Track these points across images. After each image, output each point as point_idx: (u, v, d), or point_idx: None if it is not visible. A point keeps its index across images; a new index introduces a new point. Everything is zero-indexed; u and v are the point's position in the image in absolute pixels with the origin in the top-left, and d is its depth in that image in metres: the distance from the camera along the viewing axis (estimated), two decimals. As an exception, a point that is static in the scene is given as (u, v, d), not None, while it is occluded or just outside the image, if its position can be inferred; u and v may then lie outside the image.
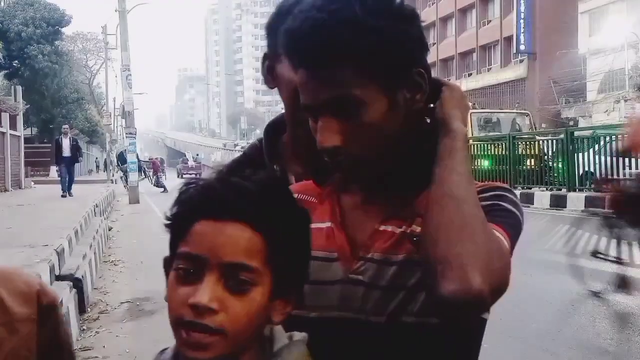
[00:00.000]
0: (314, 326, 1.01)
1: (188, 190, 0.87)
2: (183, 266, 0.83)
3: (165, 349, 0.94)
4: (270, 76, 1.26)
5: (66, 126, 18.70)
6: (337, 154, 0.95)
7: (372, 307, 0.98)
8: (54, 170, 36.16)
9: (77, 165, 20.05)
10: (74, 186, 17.45)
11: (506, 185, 1.03)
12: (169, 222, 0.87)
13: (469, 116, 15.75)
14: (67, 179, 16.76)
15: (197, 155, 33.55)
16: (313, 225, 1.05)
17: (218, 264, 0.81)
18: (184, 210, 0.86)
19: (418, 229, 0.96)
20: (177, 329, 0.83)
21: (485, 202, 0.95)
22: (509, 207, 0.98)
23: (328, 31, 0.90)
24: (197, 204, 0.84)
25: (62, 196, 15.93)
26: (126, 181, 27.96)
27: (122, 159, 35.88)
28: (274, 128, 1.37)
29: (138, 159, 30.69)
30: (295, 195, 1.12)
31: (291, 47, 0.95)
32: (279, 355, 0.89)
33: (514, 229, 0.96)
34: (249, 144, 1.52)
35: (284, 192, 0.90)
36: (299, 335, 0.92)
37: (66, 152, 17.04)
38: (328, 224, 1.05)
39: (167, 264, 0.88)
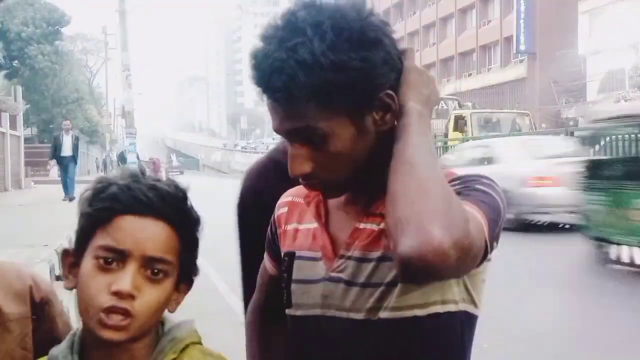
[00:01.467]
0: (300, 324, 1.07)
1: (110, 187, 0.95)
2: (104, 256, 0.92)
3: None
4: None
5: (67, 122, 17.35)
6: (308, 178, 0.98)
7: (351, 303, 1.00)
8: (54, 170, 36.22)
9: (79, 166, 19.71)
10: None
11: (482, 173, 1.01)
12: (88, 213, 0.95)
13: (469, 117, 15.65)
14: (66, 180, 15.49)
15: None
16: (302, 227, 1.11)
17: (140, 256, 0.91)
18: (109, 205, 0.93)
19: None
20: (95, 313, 0.90)
21: (456, 186, 0.94)
22: (483, 187, 0.96)
23: (285, 73, 0.90)
24: (123, 201, 0.92)
25: (64, 200, 15.00)
26: None
27: (122, 158, 35.79)
28: None
29: (139, 159, 30.73)
30: (290, 199, 1.17)
31: (255, 81, 0.96)
32: (169, 333, 1.00)
33: (488, 205, 0.93)
34: (273, 146, 1.57)
35: (186, 196, 1.00)
36: (186, 319, 1.04)
37: (67, 150, 15.60)
38: (314, 225, 1.08)
39: (70, 253, 0.97)
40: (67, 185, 15.38)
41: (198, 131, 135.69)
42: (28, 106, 25.25)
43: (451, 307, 0.99)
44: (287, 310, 1.11)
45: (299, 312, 1.08)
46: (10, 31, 34.45)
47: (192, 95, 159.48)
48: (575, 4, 34.22)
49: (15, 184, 19.84)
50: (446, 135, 19.80)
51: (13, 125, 20.24)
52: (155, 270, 0.93)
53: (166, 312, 1.00)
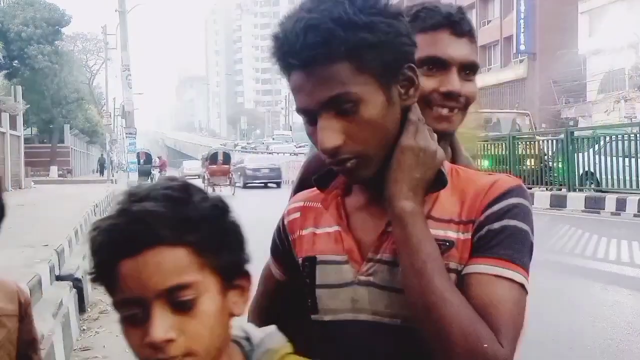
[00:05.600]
0: (329, 329, 1.04)
1: (96, 237, 0.83)
2: (127, 313, 0.82)
3: None
4: None
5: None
6: (339, 153, 0.95)
7: (385, 308, 0.98)
8: (54, 170, 36.24)
9: (77, 166, 19.78)
10: (74, 186, 17.37)
11: (515, 181, 1.00)
12: (92, 276, 0.84)
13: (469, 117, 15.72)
14: None
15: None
16: (320, 231, 1.08)
17: (155, 295, 0.80)
18: (100, 260, 0.83)
19: (433, 232, 0.97)
20: None
21: (497, 222, 0.95)
22: (520, 225, 0.96)
23: (322, 30, 0.90)
24: (108, 250, 0.81)
25: None
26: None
27: (101, 164, 35.82)
28: None
29: (151, 162, 30.44)
30: (302, 204, 1.15)
31: (285, 50, 0.94)
32: (261, 346, 0.90)
33: (524, 253, 0.95)
34: (308, 156, 1.48)
35: (187, 191, 0.85)
36: (269, 328, 0.93)
37: None
38: (336, 228, 1.06)
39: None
40: None
41: (198, 131, 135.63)
42: (28, 106, 25.25)
43: None
44: (313, 317, 1.08)
45: (327, 317, 1.05)
46: (10, 31, 34.47)
47: (192, 95, 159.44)
48: (575, 4, 34.22)
49: (15, 184, 19.84)
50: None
51: (13, 125, 20.24)
52: (182, 300, 0.80)
53: (248, 325, 0.94)
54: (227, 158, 26.90)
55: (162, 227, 0.80)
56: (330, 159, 0.97)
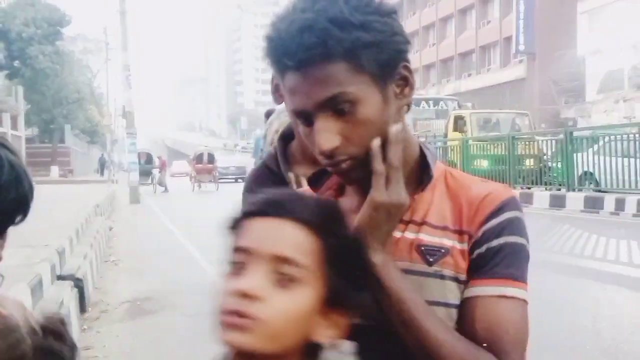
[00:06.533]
0: None
1: (255, 197, 0.89)
2: (235, 260, 0.84)
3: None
4: (278, 94, 1.42)
5: None
6: (336, 154, 0.95)
7: (378, 312, 0.96)
8: (54, 170, 36.24)
9: (78, 166, 19.77)
10: (74, 186, 17.38)
11: (508, 192, 1.01)
12: (231, 224, 0.89)
13: (468, 117, 15.52)
14: None
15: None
16: None
17: (267, 255, 0.82)
18: (245, 210, 0.88)
19: (426, 238, 0.98)
20: (220, 317, 0.82)
21: (495, 240, 0.96)
22: (518, 240, 0.98)
23: (318, 30, 0.90)
24: (256, 204, 0.87)
25: None
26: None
27: (101, 164, 35.79)
28: (285, 138, 1.52)
29: (152, 162, 30.58)
30: None
31: (280, 50, 0.93)
32: None
33: (523, 268, 0.98)
34: (266, 154, 1.62)
35: (342, 213, 0.90)
36: (345, 348, 0.91)
37: None
38: None
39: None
40: None
41: (198, 131, 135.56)
42: (29, 106, 25.28)
43: None
44: None
45: None
46: (11, 31, 34.47)
47: (192, 95, 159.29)
48: (574, 4, 34.20)
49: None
50: (446, 135, 19.79)
51: (14, 126, 20.27)
52: (286, 273, 0.82)
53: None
54: (211, 158, 30.56)
55: (312, 212, 0.86)
56: (326, 160, 0.97)
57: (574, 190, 13.89)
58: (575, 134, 15.03)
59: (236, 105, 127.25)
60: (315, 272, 0.83)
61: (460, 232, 0.98)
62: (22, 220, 1.12)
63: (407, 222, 0.99)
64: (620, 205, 12.01)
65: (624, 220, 11.37)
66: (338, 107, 0.93)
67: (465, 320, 0.95)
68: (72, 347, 1.05)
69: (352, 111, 0.93)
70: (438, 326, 0.92)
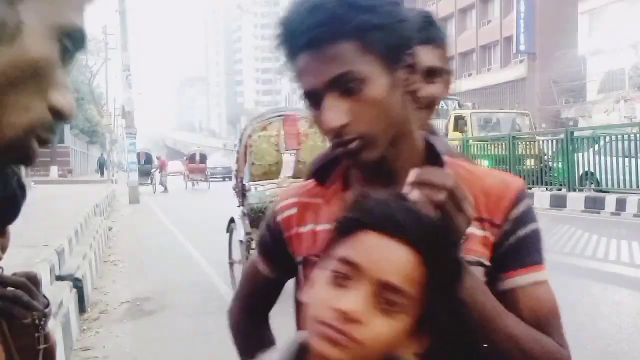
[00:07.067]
0: None
1: (365, 201, 0.84)
2: (339, 270, 0.81)
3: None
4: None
5: None
6: (344, 133, 0.96)
7: None
8: (54, 170, 36.23)
9: (77, 166, 19.76)
10: (74, 186, 17.38)
11: (519, 180, 1.08)
12: (339, 224, 0.85)
13: (469, 117, 15.54)
14: None
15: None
16: (321, 227, 1.07)
17: (374, 278, 0.79)
18: (358, 217, 0.83)
19: None
20: (316, 325, 0.80)
21: (521, 229, 1.02)
22: (536, 225, 1.04)
23: (327, 9, 0.92)
24: (372, 215, 0.82)
25: None
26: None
27: (101, 165, 35.96)
28: None
29: (151, 162, 30.77)
30: (296, 199, 1.13)
31: (291, 32, 0.96)
32: None
33: (542, 250, 1.05)
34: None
35: (451, 233, 0.86)
36: None
37: None
38: None
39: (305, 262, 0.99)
40: None
41: (198, 131, 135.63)
42: (28, 106, 25.27)
43: None
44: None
45: None
46: (10, 31, 34.44)
47: (192, 95, 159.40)
48: (575, 4, 34.22)
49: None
50: (446, 135, 19.80)
51: (13, 125, 20.23)
52: (391, 301, 0.79)
53: None
54: (203, 158, 32.44)
55: (424, 235, 0.82)
56: (335, 139, 0.97)
57: (574, 190, 13.88)
58: (575, 133, 15.03)
59: (236, 105, 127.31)
60: (415, 300, 0.81)
61: (480, 220, 1.01)
62: (12, 219, 1.10)
63: None
64: (621, 205, 12.01)
65: (625, 220, 11.37)
66: (346, 86, 0.95)
67: (513, 310, 1.00)
68: (42, 301, 1.03)
69: (360, 90, 0.95)
70: (511, 322, 0.98)
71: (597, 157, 13.51)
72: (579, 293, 6.07)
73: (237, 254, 6.38)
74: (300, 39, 0.94)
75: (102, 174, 42.67)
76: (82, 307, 5.68)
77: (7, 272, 1.13)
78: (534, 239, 1.03)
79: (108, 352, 4.71)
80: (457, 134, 18.79)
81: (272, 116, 6.63)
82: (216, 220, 8.56)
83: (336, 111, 0.95)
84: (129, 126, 22.97)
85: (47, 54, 0.61)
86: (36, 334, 1.05)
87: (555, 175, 15.08)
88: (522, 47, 37.83)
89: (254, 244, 5.62)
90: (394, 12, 0.96)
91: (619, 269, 7.12)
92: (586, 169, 13.83)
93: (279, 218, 1.14)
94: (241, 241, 6.10)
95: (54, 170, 35.98)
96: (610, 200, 12.35)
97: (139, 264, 8.66)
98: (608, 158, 13.14)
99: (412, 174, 0.89)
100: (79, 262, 6.26)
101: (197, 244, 10.06)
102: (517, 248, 1.02)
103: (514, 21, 38.07)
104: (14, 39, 0.58)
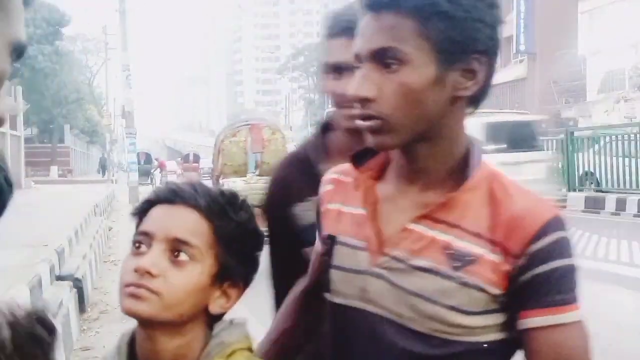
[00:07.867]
0: (338, 311, 1.03)
1: (160, 187, 1.02)
2: (135, 240, 0.96)
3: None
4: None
5: None
6: (366, 106, 0.93)
7: (393, 305, 0.96)
8: (54, 170, 36.24)
9: (77, 166, 19.83)
10: (74, 186, 17.38)
11: (552, 211, 0.94)
12: (135, 211, 1.00)
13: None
14: None
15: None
16: (345, 209, 1.06)
17: (163, 238, 0.93)
18: (148, 199, 1.00)
19: (456, 242, 0.93)
20: (122, 288, 0.93)
21: (542, 266, 0.91)
22: (567, 262, 0.92)
23: None
24: (158, 194, 0.99)
25: None
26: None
27: (102, 164, 36.27)
28: (325, 128, 1.50)
29: (151, 162, 31.01)
30: (336, 176, 1.12)
31: None
32: (218, 336, 0.97)
33: (575, 288, 0.94)
34: (306, 139, 1.59)
35: (231, 196, 1.00)
36: (239, 320, 1.01)
37: None
38: (361, 211, 1.03)
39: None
40: None
41: (198, 131, 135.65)
42: (28, 106, 25.25)
43: (496, 336, 0.96)
44: (326, 295, 1.06)
45: (337, 300, 1.04)
46: (10, 31, 34.42)
47: (192, 95, 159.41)
48: (575, 4, 34.21)
49: (15, 184, 19.84)
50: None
51: (13, 125, 20.25)
52: (180, 253, 0.93)
53: (226, 315, 1.01)
54: (196, 158, 34.74)
55: (204, 198, 0.98)
56: (357, 109, 0.94)
57: (574, 190, 13.88)
58: (576, 133, 15.03)
59: (236, 105, 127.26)
60: (206, 251, 0.94)
61: (493, 242, 0.93)
62: None
63: (441, 222, 0.95)
64: (621, 205, 12.01)
65: (625, 220, 11.36)
66: (386, 61, 0.91)
67: (531, 354, 0.93)
68: (52, 331, 1.04)
69: (397, 70, 0.91)
70: None
71: (597, 157, 13.51)
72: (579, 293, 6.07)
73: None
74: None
75: (104, 174, 42.70)
76: (82, 307, 5.67)
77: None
78: (561, 276, 0.91)
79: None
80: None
81: (240, 125, 8.17)
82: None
83: (368, 81, 0.92)
84: (129, 126, 22.95)
85: (6, 67, 0.68)
86: None
87: (556, 175, 15.08)
88: (522, 47, 37.80)
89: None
90: (476, 10, 0.91)
91: (619, 269, 7.11)
92: (586, 169, 13.83)
93: (321, 190, 1.14)
94: None
95: (53, 170, 35.98)
96: (611, 200, 12.35)
97: (139, 264, 8.65)
98: (608, 158, 13.14)
99: None
100: (79, 262, 6.26)
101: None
102: (534, 285, 0.91)
103: (513, 21, 38.04)
104: None
